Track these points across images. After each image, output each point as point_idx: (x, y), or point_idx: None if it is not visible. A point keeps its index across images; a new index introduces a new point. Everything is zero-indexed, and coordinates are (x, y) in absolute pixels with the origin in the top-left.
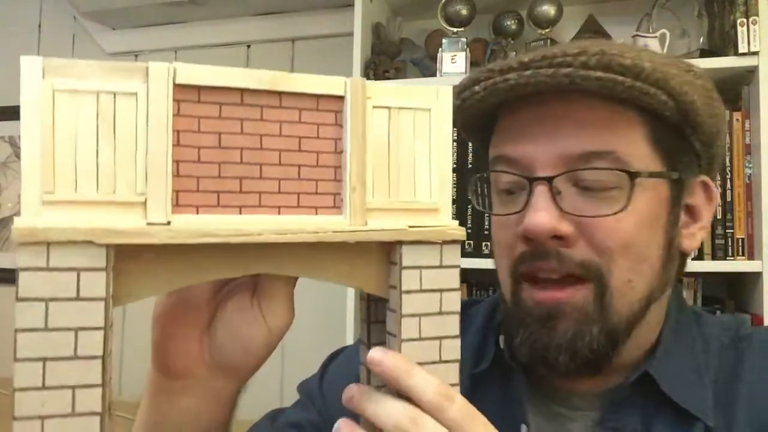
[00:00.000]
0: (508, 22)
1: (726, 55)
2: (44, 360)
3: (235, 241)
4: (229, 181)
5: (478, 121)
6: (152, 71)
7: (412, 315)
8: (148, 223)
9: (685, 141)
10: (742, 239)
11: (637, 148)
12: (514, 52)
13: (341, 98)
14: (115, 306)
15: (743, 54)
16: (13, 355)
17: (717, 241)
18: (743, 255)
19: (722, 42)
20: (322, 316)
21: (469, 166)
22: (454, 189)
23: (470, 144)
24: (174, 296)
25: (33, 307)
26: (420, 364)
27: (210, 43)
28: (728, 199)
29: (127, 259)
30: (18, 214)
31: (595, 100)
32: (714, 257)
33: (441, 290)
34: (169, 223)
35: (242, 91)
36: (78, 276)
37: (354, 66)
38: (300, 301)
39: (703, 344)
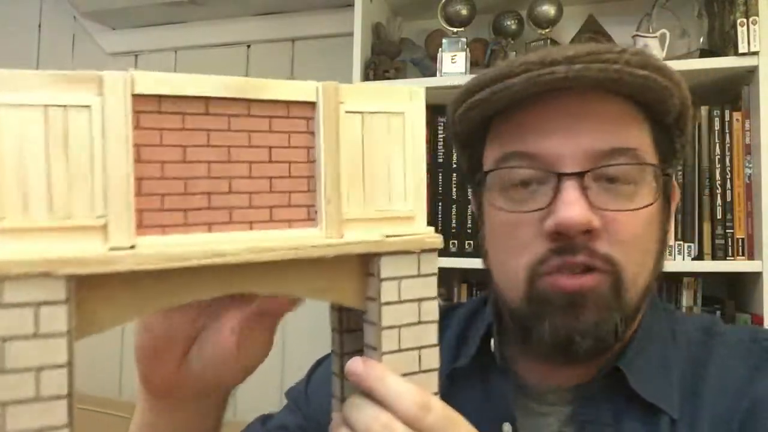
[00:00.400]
0: (508, 22)
1: (726, 55)
2: (3, 405)
3: (209, 263)
4: (197, 198)
5: (478, 121)
6: (107, 81)
7: (392, 327)
8: (111, 248)
9: (672, 142)
10: (742, 239)
11: (646, 145)
12: (514, 52)
13: (313, 104)
14: (78, 339)
15: (743, 54)
16: None
17: (717, 241)
18: (743, 255)
19: (722, 42)
20: (322, 316)
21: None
22: (454, 189)
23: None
24: (151, 331)
25: None
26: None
27: (210, 43)
28: (728, 199)
29: (89, 287)
30: None
31: (610, 98)
32: (714, 257)
33: (419, 300)
34: (133, 247)
35: (207, 99)
36: (36, 311)
37: (354, 66)
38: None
39: (672, 340)
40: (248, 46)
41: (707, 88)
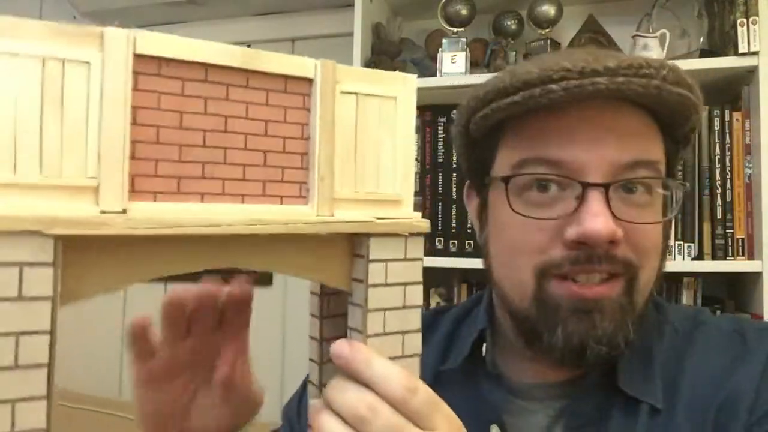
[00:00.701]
0: (508, 22)
1: (726, 55)
2: None
3: (203, 232)
4: (191, 166)
5: (494, 125)
6: (109, 38)
7: (378, 309)
8: (102, 211)
9: (677, 153)
10: (742, 239)
11: (661, 157)
12: (514, 52)
13: (310, 81)
14: (62, 305)
15: (743, 54)
16: None
17: (717, 241)
18: (743, 255)
19: (722, 42)
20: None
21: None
22: (454, 189)
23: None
24: (149, 406)
25: None
26: None
27: None
28: (728, 199)
29: (77, 251)
30: None
31: (630, 109)
32: (714, 257)
33: (405, 284)
34: (124, 211)
35: (207, 66)
36: (21, 272)
37: (354, 66)
38: (300, 302)
39: (658, 333)
40: (248, 46)
41: (707, 88)
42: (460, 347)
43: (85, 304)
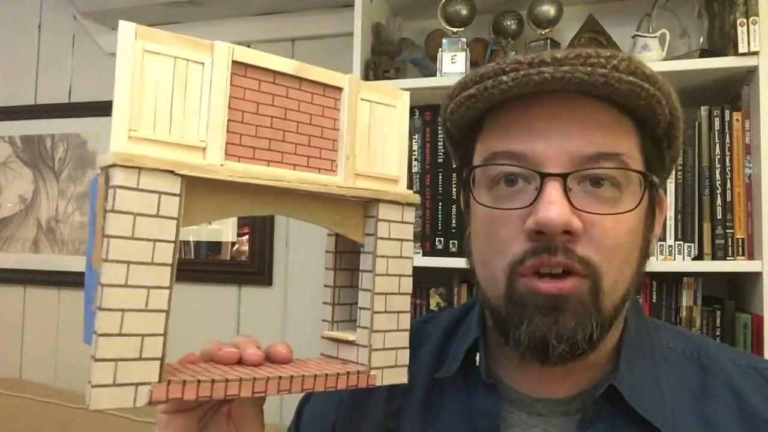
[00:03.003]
0: (508, 22)
1: (726, 55)
2: (128, 263)
3: (274, 185)
4: (262, 141)
5: (470, 118)
6: (216, 48)
7: (383, 256)
8: (208, 164)
9: (660, 154)
10: (742, 239)
11: (633, 153)
12: (514, 52)
13: (341, 89)
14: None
15: (743, 54)
16: (105, 256)
17: (717, 241)
18: (743, 255)
19: (722, 42)
20: (323, 322)
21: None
22: (454, 189)
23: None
24: (167, 428)
25: (123, 218)
26: (385, 294)
27: None
28: (728, 199)
29: (190, 189)
30: (19, 213)
31: (599, 104)
32: (714, 257)
33: (401, 240)
34: (222, 165)
35: (275, 73)
36: (159, 198)
37: (354, 66)
38: (300, 303)
39: (661, 354)
40: (248, 46)
41: (707, 88)
42: (453, 355)
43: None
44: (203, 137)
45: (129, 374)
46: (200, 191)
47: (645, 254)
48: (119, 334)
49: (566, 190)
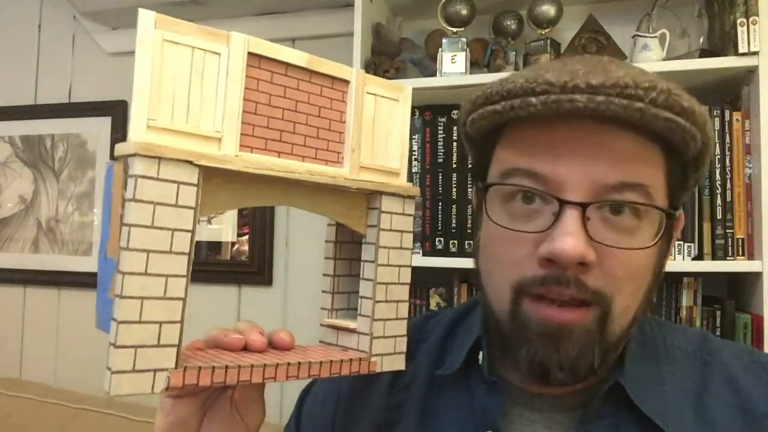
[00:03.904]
0: (508, 22)
1: (726, 55)
2: (148, 252)
3: (287, 176)
4: (274, 132)
5: (491, 128)
6: (233, 39)
7: (384, 247)
8: (223, 155)
9: (685, 178)
10: (742, 239)
11: (657, 182)
12: (514, 52)
13: (348, 82)
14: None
15: (743, 54)
16: (126, 244)
17: (717, 241)
18: (743, 255)
19: (722, 42)
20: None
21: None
22: (454, 189)
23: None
24: (169, 418)
25: (144, 207)
26: (386, 283)
27: None
28: (728, 199)
29: (207, 179)
30: (19, 213)
31: (630, 131)
32: (714, 257)
33: (402, 231)
34: (237, 156)
35: (287, 65)
36: (178, 188)
37: (354, 66)
38: (300, 303)
39: (665, 353)
40: None
41: (707, 88)
42: (455, 353)
43: (86, 306)
44: (219, 128)
45: (148, 361)
46: (216, 181)
47: (658, 276)
48: (139, 322)
49: (584, 219)
